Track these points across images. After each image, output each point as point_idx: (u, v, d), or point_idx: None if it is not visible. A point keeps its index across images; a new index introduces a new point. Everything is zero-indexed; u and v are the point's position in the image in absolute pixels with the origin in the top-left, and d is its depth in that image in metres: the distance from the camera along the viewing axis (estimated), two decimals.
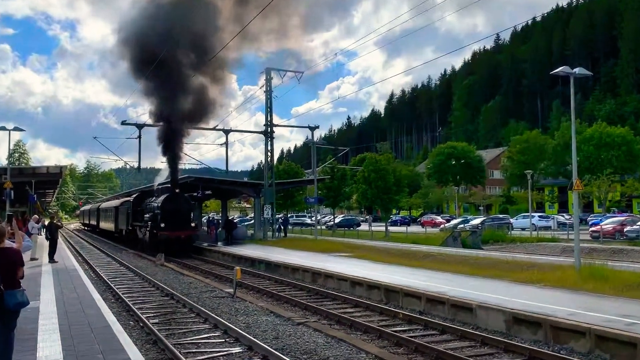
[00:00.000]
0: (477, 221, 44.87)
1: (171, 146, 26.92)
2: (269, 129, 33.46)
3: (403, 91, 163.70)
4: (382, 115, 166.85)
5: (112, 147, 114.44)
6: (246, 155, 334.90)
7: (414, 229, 48.45)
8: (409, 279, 14.02)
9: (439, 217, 59.34)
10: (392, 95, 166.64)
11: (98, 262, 23.73)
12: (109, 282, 16.39)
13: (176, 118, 26.18)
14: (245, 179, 65.83)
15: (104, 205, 47.55)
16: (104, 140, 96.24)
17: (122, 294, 14.18)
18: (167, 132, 26.74)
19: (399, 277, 14.42)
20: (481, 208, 68.91)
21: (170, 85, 25.20)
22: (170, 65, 24.85)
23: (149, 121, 30.19)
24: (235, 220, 43.17)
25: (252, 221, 44.70)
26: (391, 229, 44.71)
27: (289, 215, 59.76)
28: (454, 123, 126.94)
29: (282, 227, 36.70)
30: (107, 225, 42.80)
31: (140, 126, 31.63)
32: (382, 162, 42.72)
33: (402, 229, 46.61)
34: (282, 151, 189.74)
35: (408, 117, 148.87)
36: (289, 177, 54.66)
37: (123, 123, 32.01)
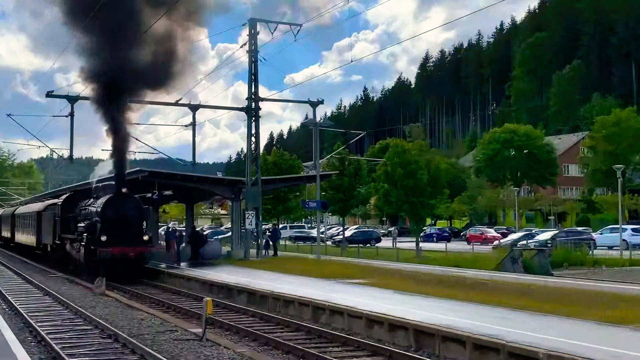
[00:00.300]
0: (545, 236, 44.79)
1: (116, 121, 26.83)
2: (254, 104, 33.50)
3: (442, 52, 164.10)
4: (413, 87, 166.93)
5: (32, 128, 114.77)
6: (221, 141, 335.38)
7: (457, 245, 48.43)
8: (449, 317, 14.02)
9: (491, 230, 59.39)
10: (426, 59, 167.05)
11: (13, 289, 23.77)
12: (28, 318, 16.44)
13: (124, 76, 25.99)
14: (220, 175, 66.20)
15: (21, 210, 47.69)
16: (22, 119, 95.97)
17: (47, 334, 14.20)
18: (109, 97, 26.63)
19: (434, 314, 14.41)
20: (551, 218, 68.92)
21: (117, 34, 25.16)
22: (119, 9, 24.86)
23: (85, 91, 30.28)
24: (205, 233, 43.28)
25: (229, 234, 44.81)
26: (424, 245, 44.74)
27: (281, 225, 59.94)
28: (514, 98, 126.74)
29: (271, 243, 36.80)
30: (25, 237, 42.92)
31: (72, 99, 31.73)
32: (412, 152, 42.70)
33: (440, 245, 46.63)
34: (271, 136, 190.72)
35: (449, 89, 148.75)
36: (281, 173, 54.82)
37: (49, 95, 32.12)
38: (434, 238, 60.00)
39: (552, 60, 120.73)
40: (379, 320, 14.61)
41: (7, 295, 21.32)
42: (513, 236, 49.50)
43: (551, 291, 18.89)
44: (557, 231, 48.86)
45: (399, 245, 45.57)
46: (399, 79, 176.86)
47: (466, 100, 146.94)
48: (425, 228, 59.71)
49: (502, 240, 48.33)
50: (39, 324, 15.56)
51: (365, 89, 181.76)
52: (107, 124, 27.06)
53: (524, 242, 43.75)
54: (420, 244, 43.36)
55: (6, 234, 52.86)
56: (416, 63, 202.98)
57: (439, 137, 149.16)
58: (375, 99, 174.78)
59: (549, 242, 41.69)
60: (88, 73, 27.26)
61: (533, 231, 50.82)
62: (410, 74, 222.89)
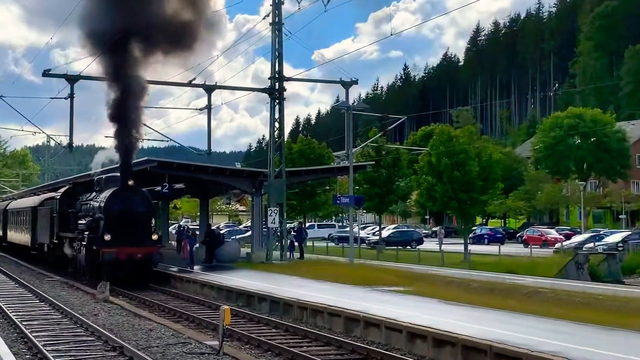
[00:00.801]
0: (616, 238, 44.35)
1: (123, 96, 26.88)
2: (277, 84, 33.55)
3: (496, 24, 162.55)
4: (462, 64, 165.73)
5: (27, 112, 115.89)
6: (240, 127, 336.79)
7: (512, 248, 48.09)
8: (503, 331, 13.98)
9: (552, 231, 58.88)
10: (477, 32, 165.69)
11: (5, 295, 24.14)
12: (23, 327, 16.70)
13: (134, 36, 25.96)
14: (239, 166, 66.54)
15: (15, 204, 48.42)
16: (15, 101, 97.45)
17: (44, 345, 14.41)
18: (115, 67, 26.67)
19: (485, 327, 14.37)
20: (623, 217, 68.05)
21: None
22: None
23: (87, 70, 30.60)
24: (221, 231, 43.57)
25: (249, 233, 45.04)
26: (474, 248, 44.47)
27: (308, 224, 60.09)
28: (579, 77, 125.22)
29: (297, 243, 36.91)
30: (19, 236, 43.56)
31: (72, 79, 32.07)
32: (461, 140, 42.47)
33: (492, 248, 46.34)
34: (297, 121, 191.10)
35: (504, 67, 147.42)
36: (308, 163, 54.92)
37: (45, 74, 32.51)
38: (485, 240, 59.65)
39: (624, 34, 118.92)
40: (421, 334, 14.59)
41: None
42: (578, 238, 49.08)
43: (622, 302, 18.70)
44: (629, 232, 48.33)
45: (445, 247, 45.36)
46: (445, 55, 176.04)
47: (524, 79, 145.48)
48: (474, 228, 59.44)
49: (564, 243, 47.91)
50: (35, 335, 15.77)
51: (405, 67, 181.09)
52: (112, 103, 27.24)
53: (591, 245, 43.35)
54: (469, 247, 43.14)
55: None
56: (465, 37, 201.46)
57: (491, 122, 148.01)
58: (417, 78, 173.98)
59: (620, 245, 41.33)
60: (93, 39, 27.40)
61: (601, 232, 50.31)
62: (459, 49, 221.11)
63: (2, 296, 23.34)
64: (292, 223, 52.50)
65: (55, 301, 21.87)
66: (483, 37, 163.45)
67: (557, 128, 75.54)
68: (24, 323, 17.44)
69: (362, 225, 68.48)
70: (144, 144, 40.16)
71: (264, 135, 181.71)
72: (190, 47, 28.46)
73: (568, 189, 72.38)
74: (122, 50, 26.30)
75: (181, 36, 27.78)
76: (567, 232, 58.59)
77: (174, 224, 68.30)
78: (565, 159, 75.07)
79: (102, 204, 27.62)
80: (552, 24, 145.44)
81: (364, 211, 67.14)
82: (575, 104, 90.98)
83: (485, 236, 61.54)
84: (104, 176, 30.17)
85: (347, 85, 36.27)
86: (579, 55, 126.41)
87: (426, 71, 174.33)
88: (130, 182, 27.57)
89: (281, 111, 33.94)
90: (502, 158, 55.60)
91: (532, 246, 47.72)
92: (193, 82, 34.07)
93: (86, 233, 27.94)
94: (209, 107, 35.49)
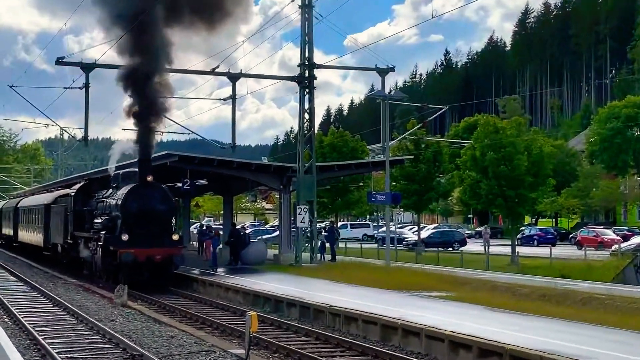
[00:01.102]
0: None
1: (142, 84, 27.04)
2: (307, 72, 33.56)
3: (546, 5, 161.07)
4: (508, 49, 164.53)
5: (39, 103, 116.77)
6: (265, 118, 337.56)
7: (564, 251, 47.70)
8: (555, 340, 13.90)
9: (609, 231, 58.29)
10: (526, 13, 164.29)
11: (17, 299, 24.47)
12: (36, 334, 16.92)
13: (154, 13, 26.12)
14: (265, 160, 66.72)
15: (26, 202, 49.01)
16: (26, 91, 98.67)
17: (58, 353, 14.59)
18: (134, 47, 26.89)
19: (536, 337, 14.31)
20: None
21: None
22: None
23: (103, 58, 30.87)
24: (247, 231, 43.72)
25: (276, 233, 45.19)
26: (522, 250, 44.20)
27: (340, 223, 60.04)
28: (638, 62, 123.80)
29: (329, 245, 36.91)
30: (30, 236, 44.08)
31: (87, 67, 32.35)
32: (508, 132, 42.19)
33: (543, 250, 45.98)
34: (328, 111, 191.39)
35: (555, 52, 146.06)
36: (340, 157, 54.84)
37: (59, 62, 32.85)
38: (535, 241, 59.24)
39: None
40: (465, 343, 14.56)
41: (10, 306, 21.93)
42: (637, 239, 48.48)
43: None
44: None
45: (491, 249, 45.09)
46: (491, 39, 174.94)
47: (577, 66, 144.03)
48: (523, 228, 59.05)
49: (622, 245, 47.37)
50: (49, 341, 15.98)
51: (447, 53, 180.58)
52: (130, 91, 27.41)
53: None
54: (517, 249, 42.87)
55: (8, 231, 54.36)
56: (513, 19, 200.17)
57: (541, 112, 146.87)
58: (459, 64, 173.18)
59: None
60: (110, 20, 27.61)
61: None
62: (505, 33, 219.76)
63: (14, 300, 23.66)
64: (323, 222, 52.53)
65: (69, 305, 22.13)
66: (532, 20, 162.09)
67: (614, 119, 74.76)
68: (37, 329, 17.69)
69: (399, 225, 68.40)
70: (163, 137, 40.51)
71: (292, 127, 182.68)
72: (217, 22, 28.51)
73: (626, 185, 71.52)
74: (144, 24, 26.44)
75: (208, 6, 27.84)
76: (625, 232, 57.92)
77: (195, 223, 68.72)
78: (623, 153, 74.28)
79: (120, 202, 27.86)
80: (608, 5, 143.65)
81: (401, 210, 66.96)
82: (634, 92, 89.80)
83: (535, 237, 61.11)
84: (121, 172, 30.35)
85: (383, 72, 36.17)
86: (637, 39, 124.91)
87: (470, 57, 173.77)
88: (150, 178, 27.78)
89: (311, 101, 33.95)
90: (554, 152, 55.11)
91: (587, 248, 47.24)
92: (216, 70, 34.20)
93: (102, 233, 28.21)
94: (233, 97, 35.59)
